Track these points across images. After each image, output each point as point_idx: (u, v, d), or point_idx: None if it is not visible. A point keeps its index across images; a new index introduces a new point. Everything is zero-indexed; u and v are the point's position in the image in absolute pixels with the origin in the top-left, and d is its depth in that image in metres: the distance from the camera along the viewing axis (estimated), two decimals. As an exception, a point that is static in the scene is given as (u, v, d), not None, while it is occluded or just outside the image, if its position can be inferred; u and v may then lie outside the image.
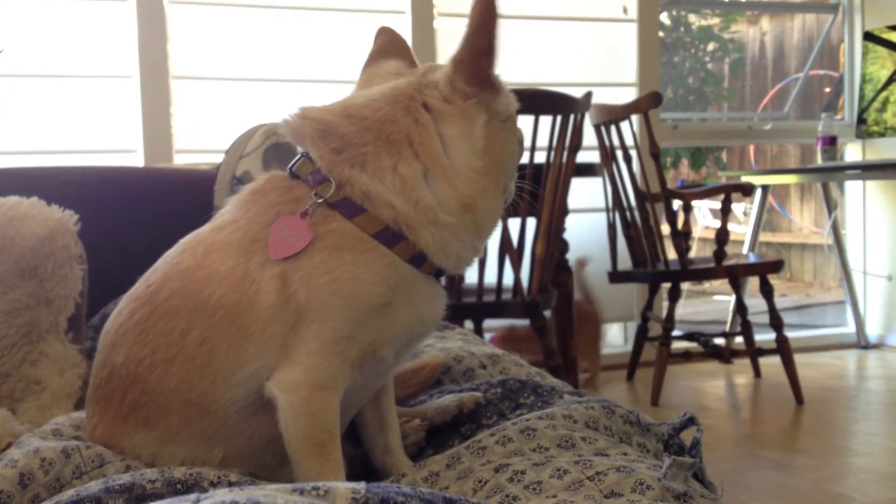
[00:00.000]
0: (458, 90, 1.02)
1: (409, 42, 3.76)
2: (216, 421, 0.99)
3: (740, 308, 3.85)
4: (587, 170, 3.41)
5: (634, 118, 3.73)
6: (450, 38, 3.87)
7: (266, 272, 0.97)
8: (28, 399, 1.40)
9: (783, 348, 3.57)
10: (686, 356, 3.75)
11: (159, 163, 3.38)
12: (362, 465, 1.14)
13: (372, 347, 0.99)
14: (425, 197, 1.00)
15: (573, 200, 3.38)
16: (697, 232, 7.73)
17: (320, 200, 0.99)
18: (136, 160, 3.46)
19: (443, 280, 1.09)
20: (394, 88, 1.05)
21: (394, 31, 1.17)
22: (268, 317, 0.96)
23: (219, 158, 2.26)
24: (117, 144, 3.47)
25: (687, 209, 3.66)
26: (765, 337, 4.06)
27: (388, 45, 1.16)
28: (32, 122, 3.36)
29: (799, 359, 3.74)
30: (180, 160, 3.50)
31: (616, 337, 5.01)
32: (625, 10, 4.26)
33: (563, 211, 3.13)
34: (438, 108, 1.02)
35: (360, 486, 0.72)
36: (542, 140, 2.88)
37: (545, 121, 2.89)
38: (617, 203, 3.70)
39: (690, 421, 1.09)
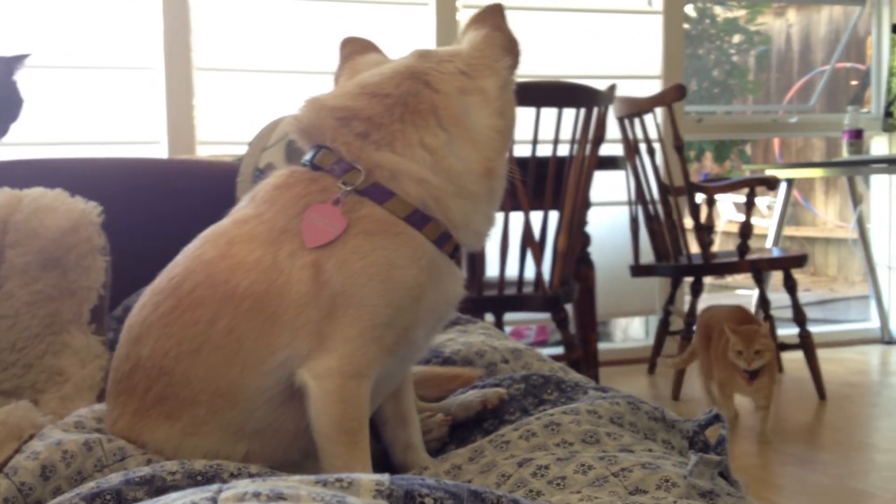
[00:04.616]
0: (489, 55, 1.08)
1: (433, 34, 3.79)
2: (244, 412, 0.99)
3: (763, 302, 3.81)
4: (610, 163, 3.39)
5: (658, 111, 3.70)
6: (472, 30, 3.85)
7: (297, 261, 0.97)
8: (50, 390, 1.41)
9: (806, 343, 3.54)
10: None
11: (182, 154, 3.39)
12: (383, 461, 1.14)
13: (406, 332, 1.00)
14: (455, 165, 1.03)
15: (596, 194, 3.36)
16: (721, 226, 7.68)
17: (350, 188, 0.99)
18: (160, 152, 3.47)
19: (464, 271, 1.11)
20: (407, 66, 1.07)
21: (359, 38, 1.20)
22: (301, 304, 0.96)
23: (242, 150, 2.26)
24: (141, 136, 3.48)
25: (710, 203, 3.64)
26: (788, 332, 4.02)
27: (358, 47, 1.18)
28: (56, 114, 3.37)
29: (822, 354, 3.70)
30: (203, 152, 3.50)
31: (637, 331, 4.99)
32: (649, 2, 4.23)
33: (586, 204, 3.11)
34: (455, 79, 1.06)
35: (385, 477, 0.71)
36: (566, 133, 2.86)
37: (569, 113, 2.87)
38: (640, 196, 3.68)
39: (716, 418, 1.08)
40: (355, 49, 1.18)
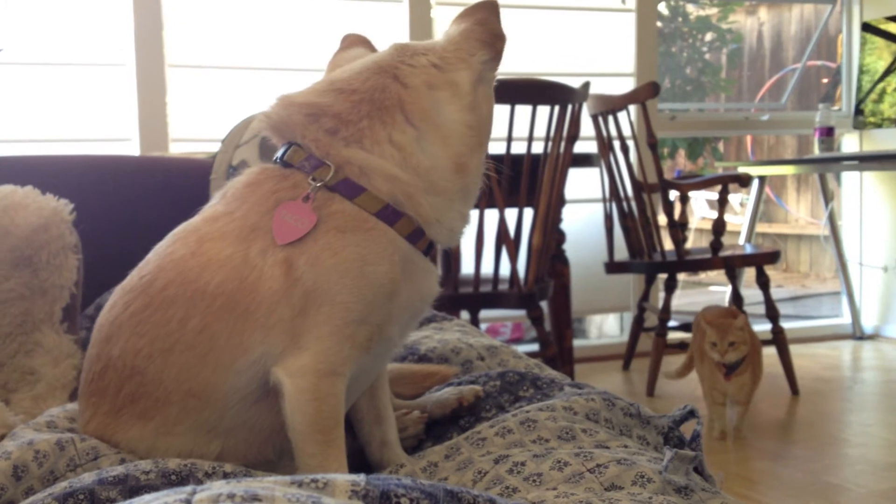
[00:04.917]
0: (464, 49, 1.06)
1: (406, 31, 3.78)
2: (217, 411, 0.98)
3: (736, 299, 3.84)
4: (584, 160, 3.40)
5: (632, 108, 3.72)
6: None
7: (269, 258, 0.96)
8: (22, 390, 1.39)
9: (779, 339, 3.57)
10: (682, 347, 3.73)
11: (155, 152, 3.36)
12: (359, 458, 1.13)
13: (380, 328, 0.99)
14: (423, 161, 1.02)
15: (570, 191, 3.37)
16: (694, 222, 7.73)
17: (320, 184, 0.98)
18: (132, 149, 3.44)
19: (439, 269, 1.10)
20: (377, 62, 1.06)
21: (356, 34, 1.20)
22: (273, 302, 0.95)
23: (215, 147, 2.25)
24: (112, 133, 3.45)
25: (684, 200, 3.65)
26: (760, 328, 4.05)
27: (350, 43, 1.18)
28: (27, 111, 3.34)
29: (794, 350, 3.74)
30: (176, 149, 3.48)
31: (612, 327, 5.02)
32: (623, 0, 4.25)
33: (560, 201, 3.12)
34: (424, 73, 1.04)
35: (360, 478, 0.71)
36: (540, 130, 2.87)
37: (543, 111, 2.88)
38: (614, 193, 3.69)
39: (690, 414, 1.08)
40: (346, 45, 1.17)
